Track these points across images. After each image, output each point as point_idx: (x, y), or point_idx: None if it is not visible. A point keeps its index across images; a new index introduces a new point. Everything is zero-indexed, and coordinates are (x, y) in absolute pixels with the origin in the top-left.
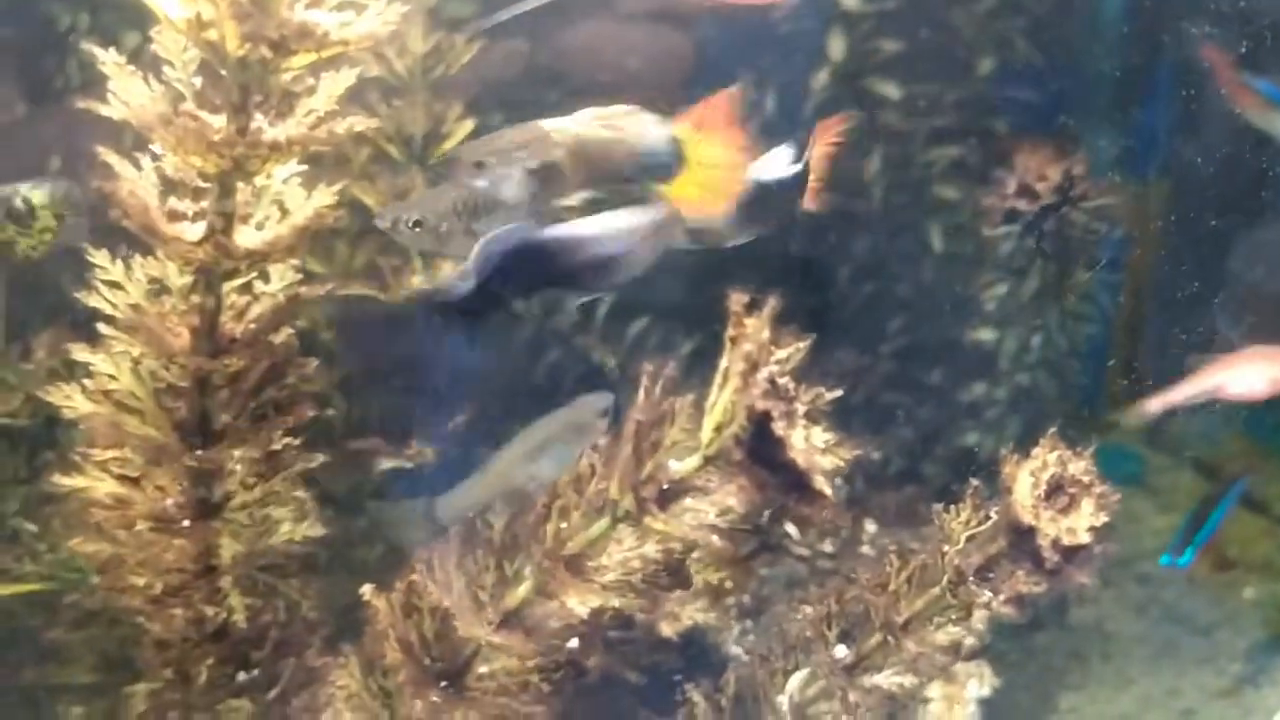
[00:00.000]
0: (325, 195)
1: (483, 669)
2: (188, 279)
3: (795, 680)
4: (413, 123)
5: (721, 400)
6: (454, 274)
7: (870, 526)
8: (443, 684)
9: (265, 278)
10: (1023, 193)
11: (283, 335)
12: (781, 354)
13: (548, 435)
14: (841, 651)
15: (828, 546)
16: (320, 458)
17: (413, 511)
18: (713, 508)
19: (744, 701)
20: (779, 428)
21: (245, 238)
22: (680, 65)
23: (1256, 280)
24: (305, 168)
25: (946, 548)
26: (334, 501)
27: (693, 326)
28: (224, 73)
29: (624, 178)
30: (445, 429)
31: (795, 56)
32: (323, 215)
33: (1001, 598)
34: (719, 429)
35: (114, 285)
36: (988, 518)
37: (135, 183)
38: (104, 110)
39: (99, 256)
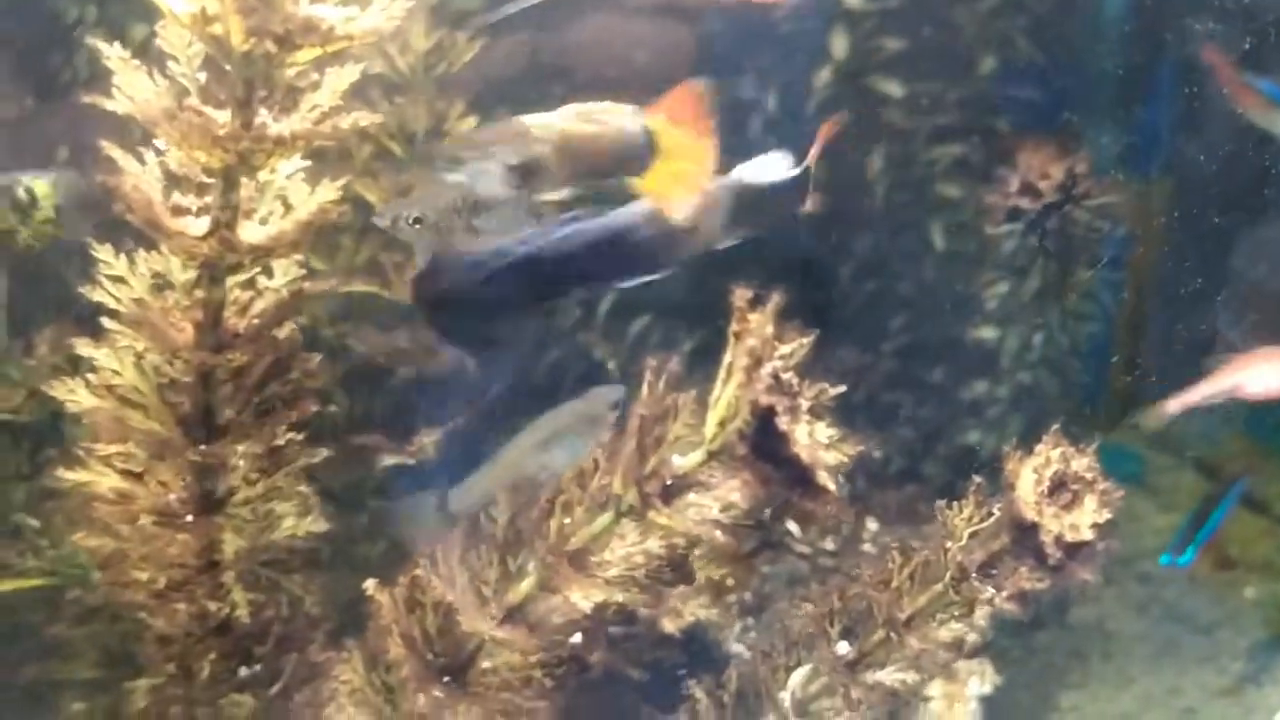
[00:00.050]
0: (329, 190)
1: (486, 664)
2: (191, 274)
3: (797, 676)
4: (415, 120)
5: (725, 395)
6: None
7: (872, 525)
8: (446, 679)
9: (269, 273)
10: (1025, 190)
11: (286, 330)
12: (785, 349)
13: (559, 426)
14: (844, 648)
15: (829, 544)
16: (323, 452)
17: (427, 504)
18: (716, 503)
19: (746, 698)
20: (783, 423)
21: (249, 233)
22: (684, 61)
23: (1258, 279)
24: (309, 163)
25: (949, 544)
26: (334, 498)
27: (693, 325)
28: (228, 67)
29: (606, 172)
30: (446, 425)
31: (798, 54)
32: (326, 210)
33: (1004, 594)
34: (723, 424)
35: (118, 280)
36: (991, 514)
37: (139, 177)
38: (109, 105)
39: (103, 251)
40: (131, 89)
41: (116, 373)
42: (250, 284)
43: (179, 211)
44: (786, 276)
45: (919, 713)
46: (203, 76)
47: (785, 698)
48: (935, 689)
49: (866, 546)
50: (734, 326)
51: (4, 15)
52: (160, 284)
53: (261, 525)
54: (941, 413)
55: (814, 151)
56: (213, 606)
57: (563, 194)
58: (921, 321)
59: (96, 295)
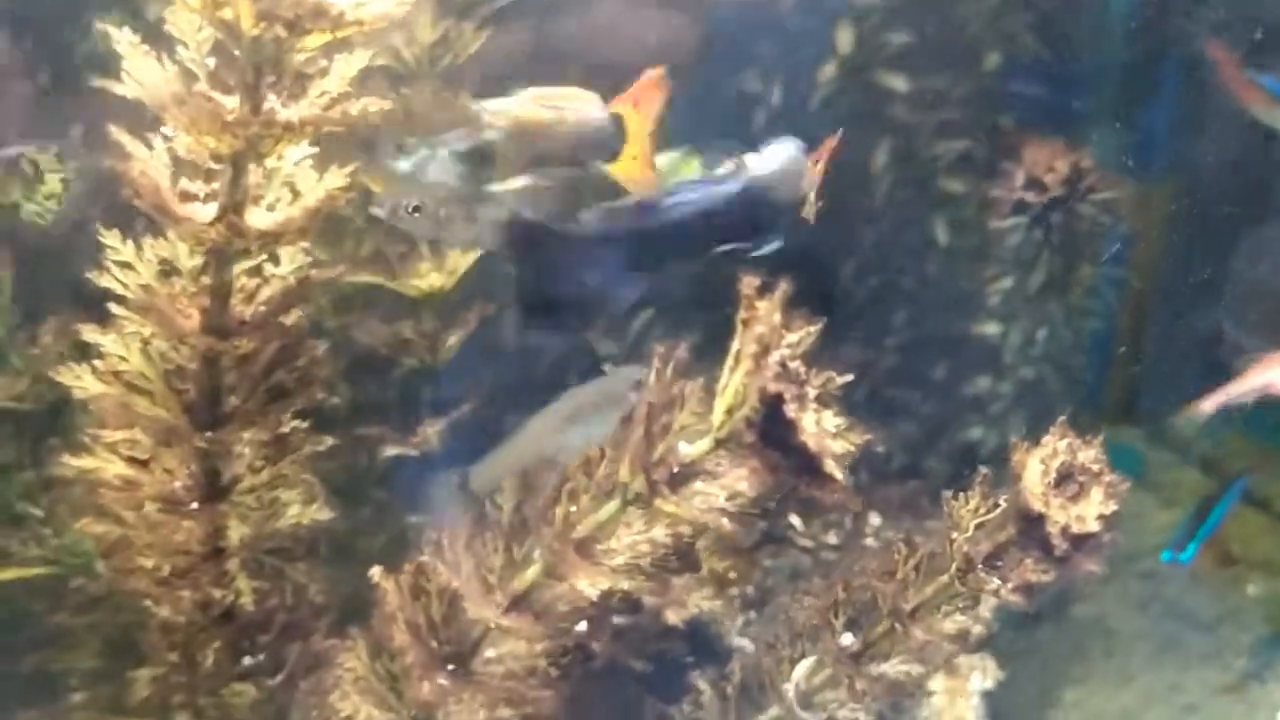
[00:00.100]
0: (337, 177)
1: (490, 653)
2: (198, 260)
3: (801, 668)
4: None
5: (733, 383)
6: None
7: (875, 519)
8: (450, 667)
9: (275, 260)
10: (1031, 185)
11: (293, 317)
12: (792, 338)
13: (579, 405)
14: (848, 639)
15: (832, 538)
16: (329, 440)
17: (448, 483)
18: (723, 491)
19: (750, 689)
20: (790, 410)
21: (257, 219)
22: (688, 52)
23: (1261, 276)
24: (316, 150)
25: (955, 535)
26: (338, 490)
27: (695, 321)
28: (237, 52)
29: (566, 159)
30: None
31: (803, 48)
32: (334, 197)
33: (1010, 586)
34: (730, 412)
35: (125, 266)
36: (997, 505)
37: (147, 162)
38: (118, 89)
39: (110, 236)
40: (141, 73)
41: (123, 359)
42: (257, 271)
43: (187, 197)
44: (789, 273)
45: (922, 707)
46: (212, 61)
47: (789, 689)
48: (937, 683)
49: (869, 540)
50: (742, 314)
51: None
52: (167, 270)
53: (266, 513)
54: (944, 408)
55: (818, 168)
56: (217, 594)
57: (518, 183)
58: (925, 317)
59: (104, 281)
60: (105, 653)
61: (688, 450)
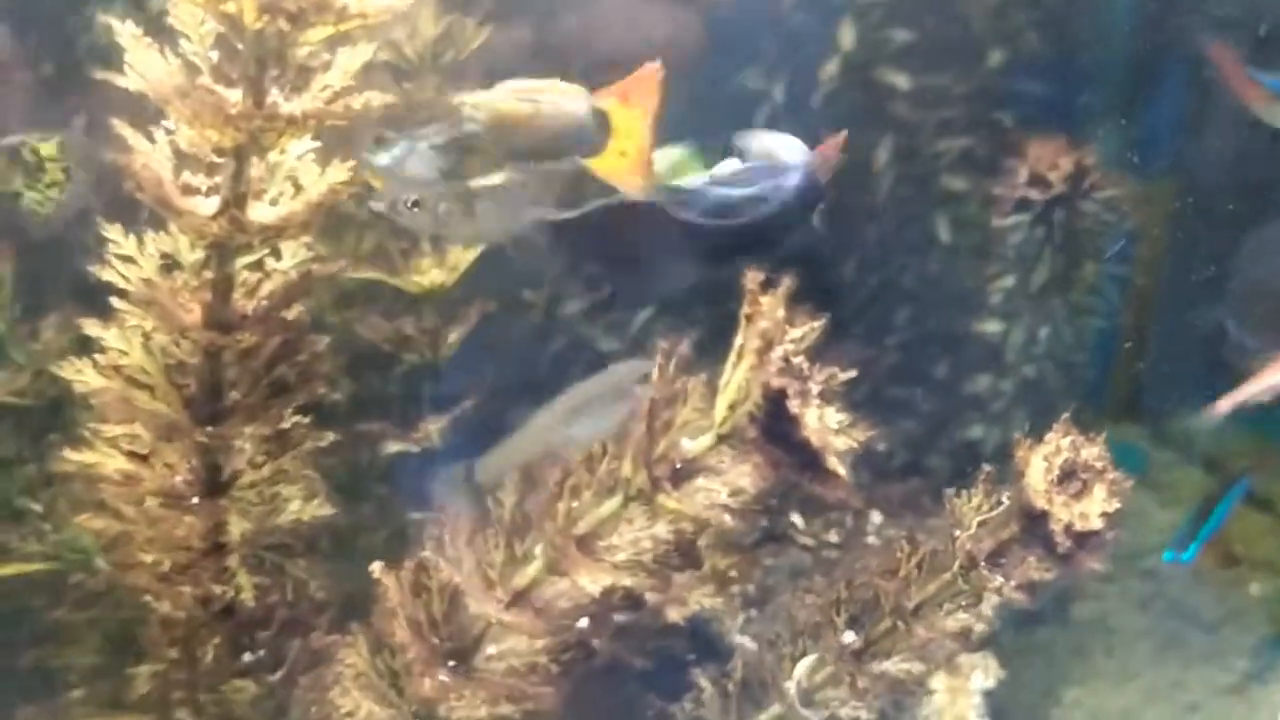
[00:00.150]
0: (339, 171)
1: (492, 649)
2: (200, 254)
3: (803, 666)
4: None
5: (735, 378)
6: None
7: (875, 518)
8: (451, 664)
9: (277, 255)
10: (1034, 182)
11: (294, 312)
12: (796, 333)
13: (586, 398)
14: (850, 637)
15: (833, 536)
16: (331, 435)
17: (456, 476)
18: (725, 487)
19: (751, 687)
20: (793, 406)
21: (259, 213)
22: (692, 48)
23: (1263, 276)
24: (318, 144)
25: (958, 532)
26: (340, 485)
27: (696, 319)
28: (240, 46)
29: (547, 153)
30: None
31: (805, 45)
32: (337, 192)
33: (1013, 583)
34: (733, 407)
35: (126, 259)
36: (1000, 502)
37: (149, 155)
38: (120, 81)
39: (112, 230)
40: (143, 66)
41: (124, 353)
42: (259, 265)
43: (189, 191)
44: (790, 270)
45: (923, 705)
46: (215, 54)
47: (791, 687)
48: (939, 682)
49: (870, 539)
50: (745, 309)
51: None
52: (169, 264)
53: (267, 508)
54: (945, 406)
55: (829, 161)
56: (217, 590)
57: (499, 177)
58: (926, 314)
59: (105, 274)
60: (105, 648)
61: (690, 446)
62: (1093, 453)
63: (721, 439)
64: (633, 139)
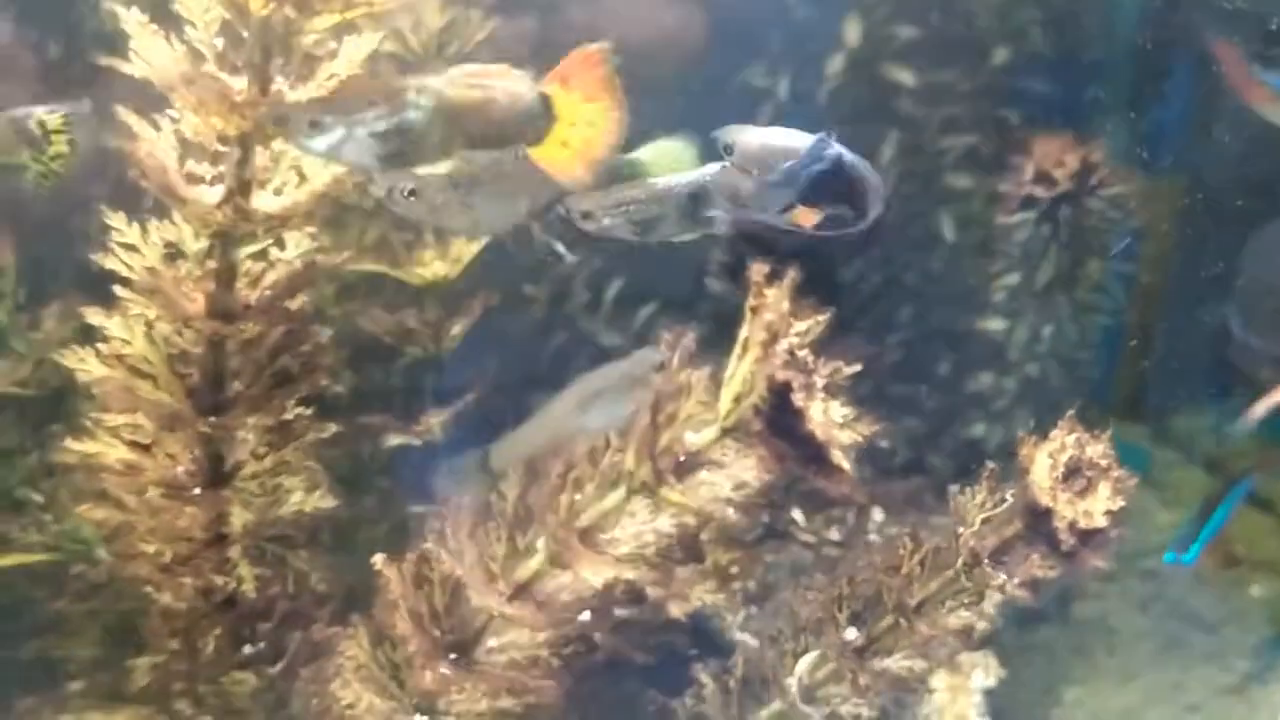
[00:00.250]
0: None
1: (493, 642)
2: (204, 243)
3: (805, 662)
4: None
5: (740, 371)
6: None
7: (878, 515)
8: (452, 656)
9: (281, 244)
10: (1040, 179)
11: (298, 303)
12: (801, 326)
13: (600, 386)
14: (852, 634)
15: (834, 533)
16: (333, 427)
17: (469, 463)
18: (728, 481)
19: (752, 683)
20: (798, 399)
21: (263, 202)
22: (695, 42)
23: (1267, 276)
24: None
25: (961, 529)
26: (341, 477)
27: (699, 315)
28: (246, 34)
29: (494, 140)
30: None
31: (811, 41)
32: (340, 182)
33: (1016, 581)
34: (738, 400)
35: (129, 247)
36: (1004, 499)
37: (154, 143)
38: (126, 68)
39: (115, 219)
40: (149, 53)
41: (126, 342)
42: (262, 255)
43: (193, 179)
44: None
45: (924, 704)
46: (220, 42)
47: (792, 683)
48: (940, 681)
49: (872, 536)
50: (751, 301)
51: None
52: (172, 253)
53: (269, 499)
54: (949, 403)
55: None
56: (219, 581)
57: (445, 166)
58: (930, 312)
59: (108, 263)
60: (105, 639)
61: (694, 439)
62: (1098, 450)
63: (726, 432)
64: (576, 126)
